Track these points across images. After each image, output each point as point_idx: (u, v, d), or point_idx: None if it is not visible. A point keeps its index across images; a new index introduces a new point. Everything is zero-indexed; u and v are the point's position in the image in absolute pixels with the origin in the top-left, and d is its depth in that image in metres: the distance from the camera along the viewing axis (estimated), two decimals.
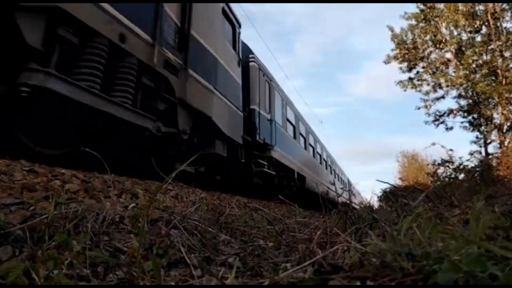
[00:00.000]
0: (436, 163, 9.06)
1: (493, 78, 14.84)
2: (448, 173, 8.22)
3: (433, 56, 17.07)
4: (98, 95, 3.35)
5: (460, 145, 57.19)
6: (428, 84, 17.21)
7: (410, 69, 17.40)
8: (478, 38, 15.88)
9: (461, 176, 7.89)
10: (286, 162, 10.48)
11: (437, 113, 17.14)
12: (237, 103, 7.09)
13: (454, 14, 15.28)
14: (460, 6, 15.35)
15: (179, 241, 1.32)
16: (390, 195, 4.10)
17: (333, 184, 20.00)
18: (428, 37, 16.57)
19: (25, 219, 1.39)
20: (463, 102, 16.60)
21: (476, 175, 7.74)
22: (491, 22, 15.02)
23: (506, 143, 14.66)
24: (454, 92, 16.73)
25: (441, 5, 15.86)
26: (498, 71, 14.89)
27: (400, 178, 34.21)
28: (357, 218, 1.85)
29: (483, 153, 15.09)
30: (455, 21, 15.45)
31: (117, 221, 1.56)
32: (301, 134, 13.54)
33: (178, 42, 4.82)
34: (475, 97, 15.76)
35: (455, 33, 16.19)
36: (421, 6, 16.35)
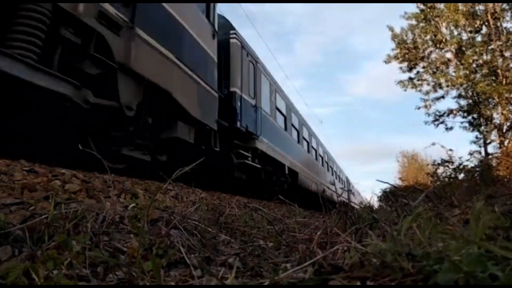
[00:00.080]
0: (436, 163, 9.06)
1: (493, 78, 14.84)
2: (448, 173, 8.22)
3: (433, 56, 17.10)
4: None
5: (460, 145, 57.21)
6: (428, 84, 17.24)
7: (410, 69, 17.41)
8: (478, 38, 15.90)
9: (461, 176, 7.88)
10: (275, 156, 9.57)
11: (437, 113, 17.17)
12: (211, 81, 6.05)
13: (454, 14, 15.28)
14: (460, 6, 15.36)
15: (179, 241, 1.32)
16: (390, 195, 4.11)
17: (333, 184, 19.71)
18: (428, 37, 16.58)
19: (25, 219, 1.38)
20: (463, 102, 16.64)
21: (476, 175, 7.73)
22: (491, 22, 15.03)
23: (506, 143, 14.65)
24: (454, 92, 16.77)
25: (441, 5, 15.87)
26: (498, 71, 14.90)
27: (400, 178, 34.27)
28: (357, 218, 1.85)
29: (483, 153, 15.11)
30: (455, 21, 15.46)
31: (117, 221, 1.55)
32: (293, 126, 12.42)
33: None
34: (475, 97, 15.77)
35: (455, 33, 16.21)
36: (421, 6, 16.36)
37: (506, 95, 14.34)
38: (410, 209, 1.57)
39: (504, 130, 15.19)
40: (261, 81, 9.09)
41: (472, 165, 8.34)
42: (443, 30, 16.28)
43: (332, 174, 21.60)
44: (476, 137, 16.64)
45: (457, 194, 2.45)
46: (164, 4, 4.65)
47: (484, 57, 15.56)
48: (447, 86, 16.52)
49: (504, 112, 14.93)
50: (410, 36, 17.05)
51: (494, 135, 15.63)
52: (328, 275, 0.76)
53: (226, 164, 7.11)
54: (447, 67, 16.71)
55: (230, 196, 5.63)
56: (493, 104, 15.42)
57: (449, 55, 16.54)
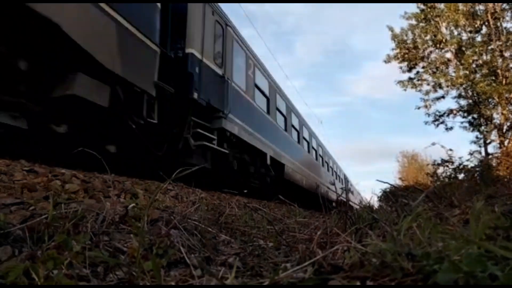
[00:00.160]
0: (436, 163, 9.07)
1: (493, 78, 14.85)
2: (448, 173, 8.23)
3: (433, 56, 17.11)
4: None
5: (460, 145, 57.12)
6: (428, 84, 17.25)
7: (410, 69, 17.42)
8: (478, 38, 15.92)
9: (461, 176, 7.89)
10: (253, 142, 7.92)
11: (437, 113, 17.18)
12: (149, 30, 4.65)
13: (454, 14, 15.29)
14: (460, 6, 15.37)
15: (179, 241, 1.32)
16: (390, 195, 4.11)
17: (333, 184, 19.37)
18: (428, 37, 16.59)
19: (25, 219, 1.38)
20: (463, 102, 16.65)
21: (476, 175, 7.74)
22: (491, 22, 15.03)
23: (506, 143, 14.66)
24: (454, 92, 16.78)
25: (441, 5, 15.88)
26: (498, 71, 14.91)
27: (400, 178, 34.28)
28: (357, 218, 1.85)
29: (483, 153, 15.12)
30: (455, 21, 15.47)
31: (117, 221, 1.56)
32: (279, 110, 10.51)
33: None
34: (475, 97, 15.78)
35: (455, 33, 16.23)
36: (421, 6, 16.37)
37: (506, 95, 14.35)
38: (410, 209, 1.57)
39: (504, 130, 15.20)
40: (233, 49, 7.41)
41: (472, 165, 8.35)
42: (443, 30, 16.29)
43: (328, 170, 19.90)
44: (476, 137, 16.69)
45: (457, 194, 2.45)
46: None
47: (484, 57, 15.57)
48: (447, 86, 16.54)
49: (504, 112, 14.93)
50: (410, 36, 17.08)
51: (494, 135, 15.66)
52: (328, 275, 0.76)
53: (178, 146, 5.63)
54: (447, 67, 16.73)
55: (230, 196, 5.64)
56: (493, 104, 15.43)
57: (449, 55, 16.56)
